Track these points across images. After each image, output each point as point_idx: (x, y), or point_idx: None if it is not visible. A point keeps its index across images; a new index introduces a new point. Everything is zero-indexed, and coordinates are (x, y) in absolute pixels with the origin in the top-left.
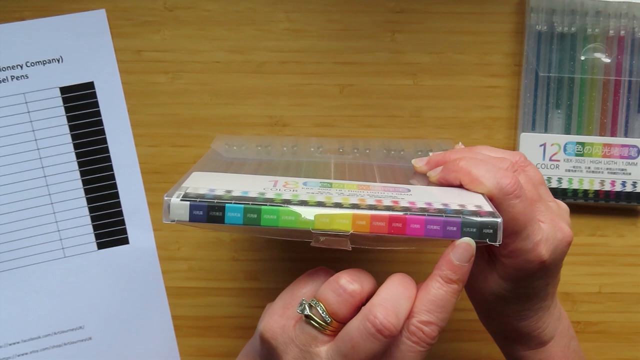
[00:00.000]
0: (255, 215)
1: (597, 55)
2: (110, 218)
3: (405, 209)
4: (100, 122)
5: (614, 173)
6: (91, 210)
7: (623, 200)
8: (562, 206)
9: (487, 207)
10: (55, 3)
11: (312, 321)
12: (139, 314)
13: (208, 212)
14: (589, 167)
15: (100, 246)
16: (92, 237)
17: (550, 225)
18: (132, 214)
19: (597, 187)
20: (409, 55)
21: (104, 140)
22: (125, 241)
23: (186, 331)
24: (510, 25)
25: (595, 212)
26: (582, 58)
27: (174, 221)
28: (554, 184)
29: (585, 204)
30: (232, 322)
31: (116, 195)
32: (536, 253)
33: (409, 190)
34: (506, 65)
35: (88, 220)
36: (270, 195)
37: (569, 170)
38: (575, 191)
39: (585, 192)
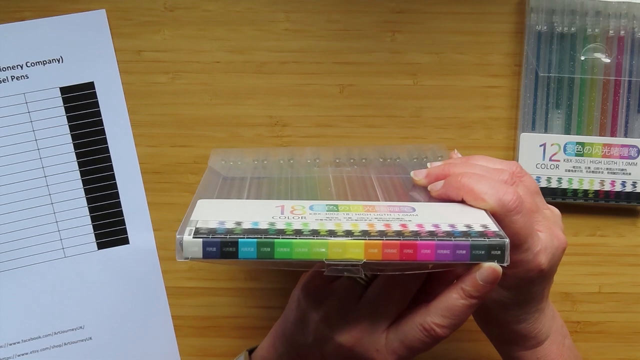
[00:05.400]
0: (269, 249)
1: (597, 55)
2: (110, 218)
3: (415, 234)
4: (100, 122)
5: (614, 173)
6: (91, 210)
7: (623, 200)
8: (555, 212)
9: (493, 226)
10: (55, 3)
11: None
12: (139, 314)
13: (221, 248)
14: (589, 167)
15: (100, 246)
16: (92, 237)
17: (547, 234)
18: (132, 214)
19: (597, 187)
20: (409, 55)
21: (104, 140)
22: (125, 241)
23: (186, 331)
24: (510, 25)
25: (595, 212)
26: (582, 58)
27: (187, 259)
28: (554, 184)
29: (585, 204)
30: (232, 322)
31: (116, 195)
32: (536, 263)
33: (414, 210)
34: (506, 65)
35: (88, 220)
36: (280, 225)
37: (569, 170)
38: (575, 191)
39: (585, 192)
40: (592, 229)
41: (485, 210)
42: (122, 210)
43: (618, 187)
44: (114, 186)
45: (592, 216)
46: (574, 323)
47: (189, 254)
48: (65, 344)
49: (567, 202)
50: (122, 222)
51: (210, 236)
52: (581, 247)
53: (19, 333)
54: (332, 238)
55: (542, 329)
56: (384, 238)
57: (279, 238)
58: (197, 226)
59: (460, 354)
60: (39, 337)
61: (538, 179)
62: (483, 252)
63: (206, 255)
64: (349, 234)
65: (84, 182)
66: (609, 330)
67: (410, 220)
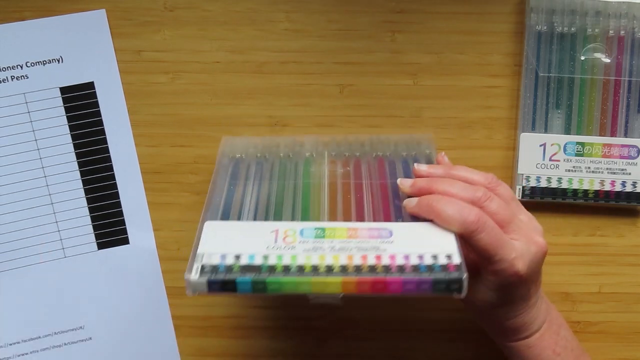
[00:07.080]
0: (262, 286)
1: (597, 55)
2: (110, 218)
3: (386, 269)
4: (100, 122)
5: (614, 173)
6: (91, 210)
7: (623, 200)
8: (531, 217)
9: (456, 257)
10: (55, 3)
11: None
12: (139, 314)
13: (222, 285)
14: (589, 167)
15: (100, 246)
16: (92, 237)
17: (523, 241)
18: (132, 214)
19: (597, 187)
20: (409, 55)
21: (104, 140)
22: (125, 241)
23: (186, 331)
24: (510, 25)
25: (595, 212)
26: (582, 58)
27: (196, 292)
28: (554, 184)
29: (585, 204)
30: (232, 322)
31: (116, 195)
32: (513, 270)
33: (391, 235)
34: (506, 65)
35: (88, 220)
36: (272, 259)
37: (569, 170)
38: (575, 191)
39: (585, 192)
40: (592, 229)
41: (454, 233)
42: (122, 210)
43: (618, 187)
44: (114, 186)
45: (592, 216)
46: (574, 323)
47: (197, 289)
48: (65, 344)
49: (567, 202)
50: (122, 222)
51: (213, 276)
52: (581, 247)
53: (19, 333)
54: (315, 277)
55: (533, 322)
56: (359, 275)
57: (270, 276)
58: (203, 263)
59: (460, 354)
60: (39, 337)
61: (538, 179)
62: (444, 286)
63: (211, 290)
64: (329, 270)
65: (84, 182)
66: (609, 330)
67: (385, 250)
